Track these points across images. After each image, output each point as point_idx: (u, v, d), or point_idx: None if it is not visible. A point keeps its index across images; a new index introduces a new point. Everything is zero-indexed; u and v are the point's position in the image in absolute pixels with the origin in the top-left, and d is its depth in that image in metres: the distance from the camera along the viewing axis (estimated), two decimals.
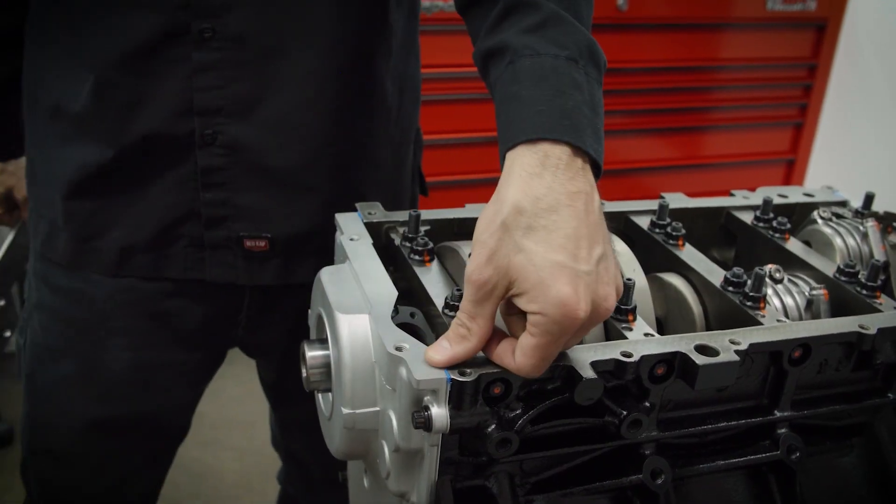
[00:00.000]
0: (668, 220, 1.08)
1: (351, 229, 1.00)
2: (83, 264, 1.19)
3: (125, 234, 1.16)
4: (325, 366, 0.88)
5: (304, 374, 0.90)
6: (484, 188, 2.90)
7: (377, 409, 0.83)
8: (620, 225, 1.13)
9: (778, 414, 0.90)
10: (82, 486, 1.34)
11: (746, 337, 0.83)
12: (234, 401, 2.89)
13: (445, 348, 0.74)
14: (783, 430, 0.91)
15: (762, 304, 0.92)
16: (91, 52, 1.08)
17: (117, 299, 1.20)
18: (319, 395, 0.95)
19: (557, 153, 0.75)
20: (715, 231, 1.20)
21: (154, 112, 1.09)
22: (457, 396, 0.74)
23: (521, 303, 0.71)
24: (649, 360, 0.79)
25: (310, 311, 0.99)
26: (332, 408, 0.89)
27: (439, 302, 0.87)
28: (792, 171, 3.35)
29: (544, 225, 0.71)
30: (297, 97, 1.12)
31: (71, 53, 1.10)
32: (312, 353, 0.89)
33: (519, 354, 0.72)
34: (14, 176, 1.40)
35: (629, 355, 0.78)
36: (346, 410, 0.82)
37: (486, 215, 0.74)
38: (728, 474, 0.91)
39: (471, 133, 2.85)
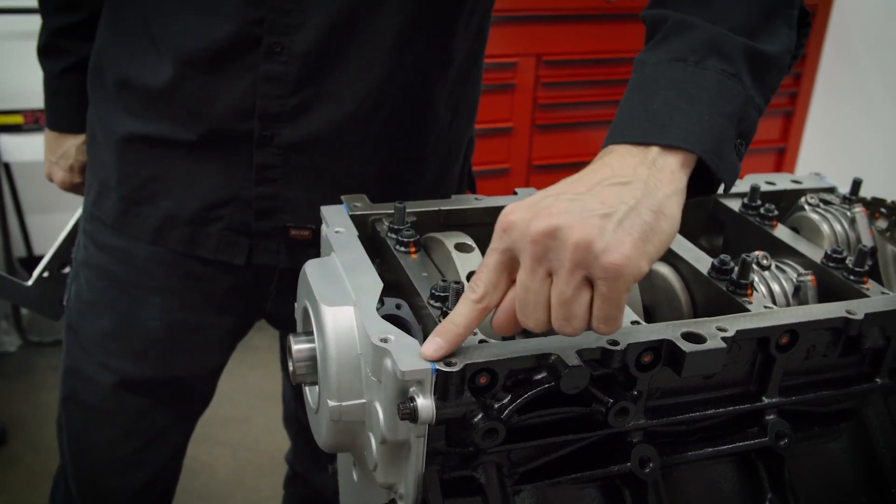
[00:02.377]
0: None
1: (336, 222, 1.00)
2: (126, 226, 1.26)
3: (171, 205, 1.23)
4: (311, 359, 0.87)
5: (291, 368, 0.89)
6: (501, 178, 2.92)
7: (363, 400, 0.82)
8: None
9: (766, 400, 0.90)
10: (110, 446, 1.38)
11: (733, 324, 0.83)
12: (227, 397, 2.88)
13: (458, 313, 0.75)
14: (771, 417, 0.91)
15: (749, 291, 0.91)
16: (167, 44, 1.14)
17: (156, 259, 1.26)
18: (307, 389, 0.95)
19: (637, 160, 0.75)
20: (703, 219, 1.20)
21: (219, 109, 1.16)
22: (442, 387, 0.74)
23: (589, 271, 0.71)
24: (636, 348, 0.79)
25: (296, 304, 0.98)
26: (318, 400, 0.88)
27: (425, 293, 0.87)
28: (783, 159, 3.35)
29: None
30: (351, 113, 1.18)
31: (148, 40, 1.16)
32: (298, 346, 0.88)
33: (519, 311, 0.73)
34: None
35: (615, 343, 0.78)
36: (332, 403, 0.82)
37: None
38: (717, 461, 0.90)
39: (488, 124, 2.86)
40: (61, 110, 1.42)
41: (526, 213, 0.70)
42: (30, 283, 1.67)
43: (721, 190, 0.83)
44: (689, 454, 0.88)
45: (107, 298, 1.31)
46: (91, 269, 1.32)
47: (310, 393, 0.93)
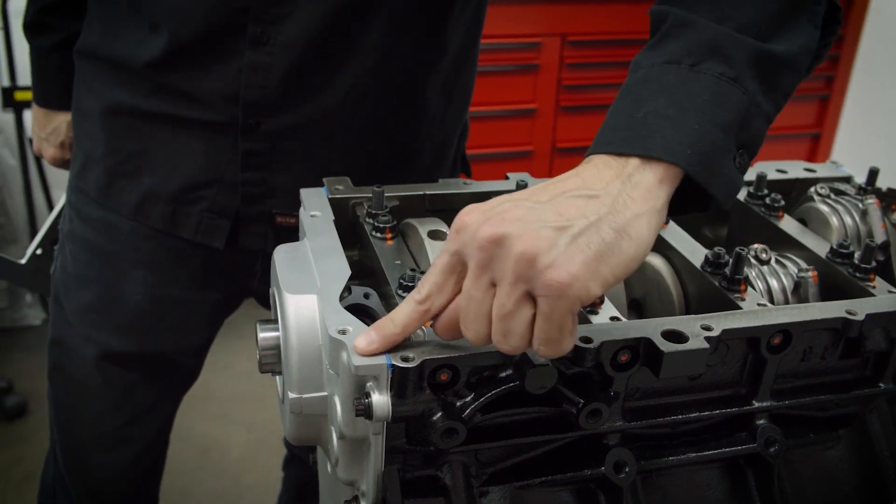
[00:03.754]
0: None
1: (313, 205, 0.96)
2: (108, 200, 1.25)
3: (153, 182, 1.21)
4: (277, 347, 0.84)
5: (258, 356, 0.86)
6: (524, 161, 2.87)
7: (325, 393, 0.79)
8: None
9: (756, 404, 0.84)
10: (97, 421, 1.38)
11: (720, 322, 0.78)
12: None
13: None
14: (762, 422, 0.85)
15: (742, 287, 0.86)
16: (155, 21, 1.11)
17: (139, 233, 1.25)
18: (277, 379, 0.92)
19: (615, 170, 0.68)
20: None
21: (205, 92, 1.14)
22: (399, 383, 0.70)
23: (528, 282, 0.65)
24: (611, 347, 0.74)
25: (271, 289, 0.95)
26: (283, 391, 0.85)
27: (395, 282, 0.83)
28: (817, 145, 3.24)
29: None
30: (340, 102, 1.16)
31: (138, 18, 1.13)
32: (264, 335, 0.85)
33: (462, 322, 0.68)
34: None
35: (588, 341, 0.73)
36: (292, 395, 0.79)
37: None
38: (702, 467, 0.85)
39: (511, 105, 2.80)
40: (50, 87, 1.40)
41: (480, 216, 0.65)
42: (23, 261, 1.66)
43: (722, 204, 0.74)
44: (670, 459, 0.83)
45: (91, 271, 1.29)
46: (75, 241, 1.31)
47: (278, 383, 0.90)
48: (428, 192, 1.01)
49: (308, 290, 0.80)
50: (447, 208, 1.03)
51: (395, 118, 1.22)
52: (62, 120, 1.42)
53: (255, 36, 1.09)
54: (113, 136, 1.22)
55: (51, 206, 3.25)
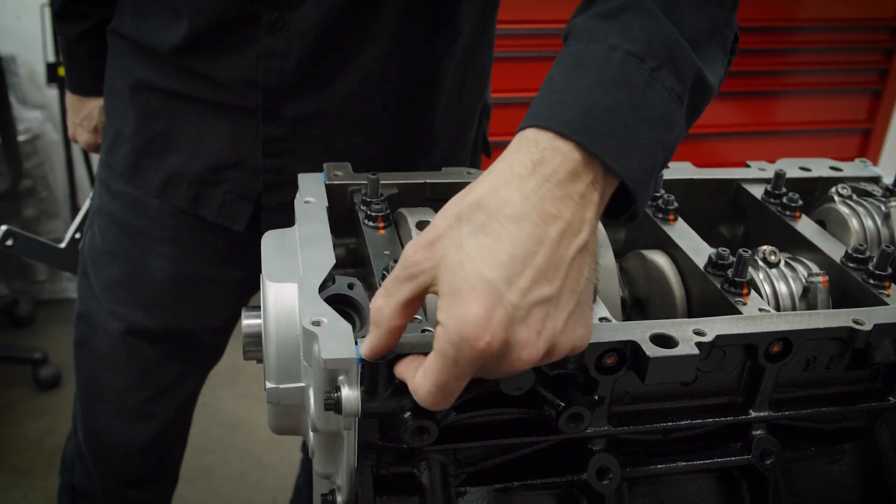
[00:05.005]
0: (662, 191, 0.98)
1: (309, 191, 0.94)
2: (135, 178, 1.26)
3: (178, 161, 1.22)
4: (259, 335, 0.82)
5: (243, 343, 0.85)
6: None
7: (302, 384, 0.77)
8: None
9: (753, 414, 0.80)
10: (120, 395, 1.39)
11: (714, 327, 0.74)
12: None
13: (365, 340, 0.66)
14: (758, 432, 0.81)
15: (745, 290, 0.82)
16: (177, 7, 1.12)
17: (165, 210, 1.26)
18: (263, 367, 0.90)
19: (562, 161, 0.62)
20: (724, 205, 1.09)
21: (226, 77, 1.15)
22: (369, 379, 0.68)
23: (437, 303, 0.61)
24: (596, 349, 0.71)
25: (261, 275, 0.94)
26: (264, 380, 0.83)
27: (379, 273, 0.81)
28: (869, 140, 3.12)
29: (497, 232, 0.60)
30: (357, 87, 1.15)
31: (163, 3, 1.14)
32: (247, 322, 0.83)
33: (419, 373, 0.62)
34: None
35: None
36: (269, 384, 0.77)
37: (456, 197, 0.65)
38: (693, 476, 0.82)
39: (535, 92, 2.75)
40: (83, 73, 1.41)
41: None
42: (62, 244, 1.67)
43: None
44: (659, 467, 0.80)
45: (118, 246, 1.30)
46: (104, 216, 1.32)
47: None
48: (429, 181, 0.98)
49: (289, 278, 0.78)
50: (447, 197, 1.00)
51: (412, 103, 1.21)
52: (94, 105, 1.44)
53: (271, 22, 1.09)
54: (142, 114, 1.23)
55: (92, 182, 3.31)
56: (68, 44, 1.39)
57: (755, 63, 2.90)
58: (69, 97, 1.47)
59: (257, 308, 0.85)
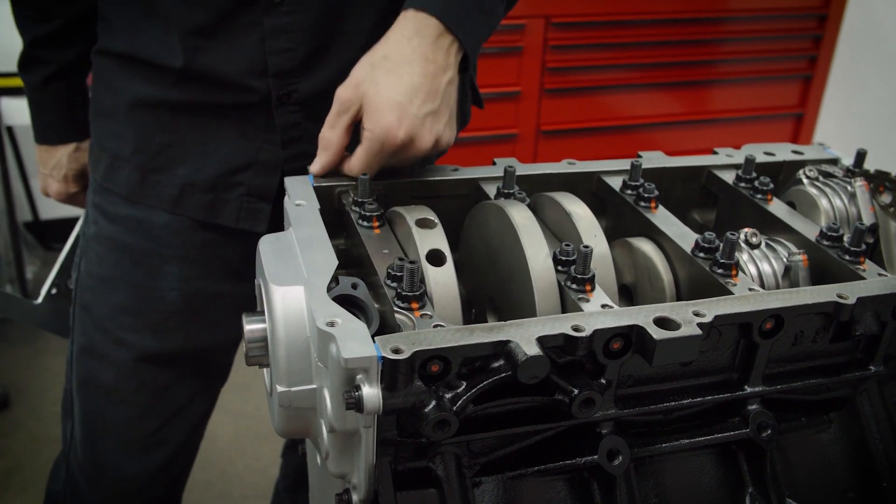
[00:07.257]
0: (641, 180, 1.02)
1: (298, 193, 0.94)
2: (143, 196, 1.23)
3: (188, 171, 1.20)
4: (264, 339, 0.83)
5: (245, 349, 0.85)
6: (509, 144, 2.85)
7: (314, 386, 0.77)
8: (592, 186, 1.07)
9: (748, 389, 0.84)
10: (127, 428, 1.35)
11: (712, 308, 0.77)
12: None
13: (315, 161, 0.98)
14: (754, 407, 0.85)
15: (734, 272, 0.85)
16: (171, 15, 1.11)
17: (173, 227, 1.23)
18: (264, 371, 0.90)
19: (431, 29, 0.97)
20: (696, 192, 1.13)
21: (232, 72, 1.14)
22: (389, 376, 0.69)
23: (363, 120, 0.95)
24: (603, 335, 0.73)
25: (256, 280, 0.94)
26: (271, 384, 0.84)
27: (383, 271, 0.82)
28: (801, 126, 3.24)
29: (399, 73, 0.95)
30: (360, 51, 1.14)
31: (152, 13, 1.13)
32: (250, 327, 0.83)
33: (353, 159, 0.97)
34: (87, 154, 1.41)
35: (580, 329, 0.72)
36: (280, 388, 0.77)
37: (368, 54, 0.98)
38: (695, 453, 0.85)
39: (495, 88, 2.78)
40: (49, 123, 1.39)
41: (403, 133, 0.93)
42: (38, 301, 1.59)
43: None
44: (663, 446, 0.83)
45: (120, 272, 1.27)
46: (102, 242, 1.28)
47: (265, 375, 0.88)
48: (416, 179, 1.00)
49: (294, 281, 0.79)
50: (434, 195, 1.01)
51: None
52: (63, 153, 1.41)
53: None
54: (141, 132, 1.19)
55: (29, 195, 3.21)
56: (33, 91, 1.36)
57: (688, 53, 2.98)
58: (37, 150, 1.43)
59: (259, 313, 0.85)
